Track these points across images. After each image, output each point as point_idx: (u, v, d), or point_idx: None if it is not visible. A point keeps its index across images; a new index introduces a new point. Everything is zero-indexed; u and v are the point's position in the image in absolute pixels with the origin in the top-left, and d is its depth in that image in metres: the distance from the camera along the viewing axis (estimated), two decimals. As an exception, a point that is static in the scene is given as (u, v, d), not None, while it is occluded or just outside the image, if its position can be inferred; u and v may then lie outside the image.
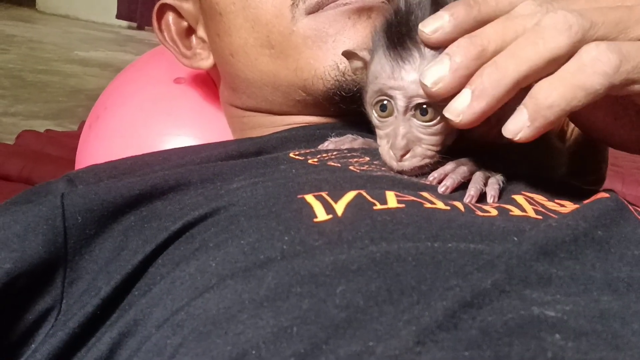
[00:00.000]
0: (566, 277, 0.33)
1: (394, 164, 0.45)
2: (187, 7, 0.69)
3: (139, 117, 0.79)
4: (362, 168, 0.46)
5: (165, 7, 0.70)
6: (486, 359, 0.27)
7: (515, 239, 0.36)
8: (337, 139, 0.53)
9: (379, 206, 0.39)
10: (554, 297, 0.32)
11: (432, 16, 0.40)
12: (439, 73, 0.38)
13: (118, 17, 4.94)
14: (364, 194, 0.40)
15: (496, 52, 0.38)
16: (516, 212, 0.40)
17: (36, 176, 1.31)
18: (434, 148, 0.44)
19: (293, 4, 0.57)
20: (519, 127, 0.37)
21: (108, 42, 4.22)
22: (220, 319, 0.34)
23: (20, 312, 0.42)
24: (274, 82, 0.60)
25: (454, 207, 0.40)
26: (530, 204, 0.42)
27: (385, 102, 0.44)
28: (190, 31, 0.70)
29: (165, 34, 0.70)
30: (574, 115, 0.47)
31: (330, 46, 0.56)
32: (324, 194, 0.40)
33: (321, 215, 0.38)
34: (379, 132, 0.46)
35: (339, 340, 0.30)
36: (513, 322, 0.29)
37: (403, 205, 0.39)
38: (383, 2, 0.57)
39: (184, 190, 0.46)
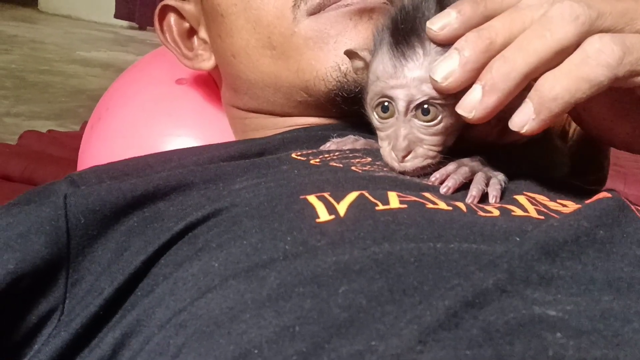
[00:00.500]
0: (567, 277, 0.33)
1: (396, 165, 0.45)
2: (189, 8, 0.69)
3: (140, 117, 0.79)
4: (364, 169, 0.46)
5: (167, 9, 0.70)
6: (487, 357, 0.27)
7: (517, 239, 0.36)
8: (339, 139, 0.54)
9: (381, 207, 0.39)
10: (555, 296, 0.32)
11: (439, 14, 0.41)
12: (449, 68, 0.39)
13: (116, 16, 4.93)
14: (366, 194, 0.40)
15: (504, 45, 0.38)
16: (518, 212, 0.40)
17: (38, 177, 1.31)
18: (436, 148, 0.44)
19: (294, 5, 0.57)
20: (524, 120, 0.38)
21: (110, 43, 4.22)
22: (222, 319, 0.34)
23: (23, 313, 0.42)
24: (275, 83, 0.60)
25: (456, 208, 0.40)
26: (532, 204, 0.42)
27: (386, 103, 0.44)
28: (192, 32, 0.71)
29: (167, 35, 0.71)
30: (577, 114, 0.47)
31: (332, 47, 0.56)
32: (326, 194, 0.40)
33: (323, 215, 0.38)
34: (379, 133, 0.46)
35: (341, 339, 0.30)
36: (514, 321, 0.29)
37: (405, 205, 0.39)
38: (384, 3, 0.57)
39: (186, 191, 0.46)
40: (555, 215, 0.40)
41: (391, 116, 0.44)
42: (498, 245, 0.35)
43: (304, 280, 0.34)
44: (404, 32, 0.43)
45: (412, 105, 0.43)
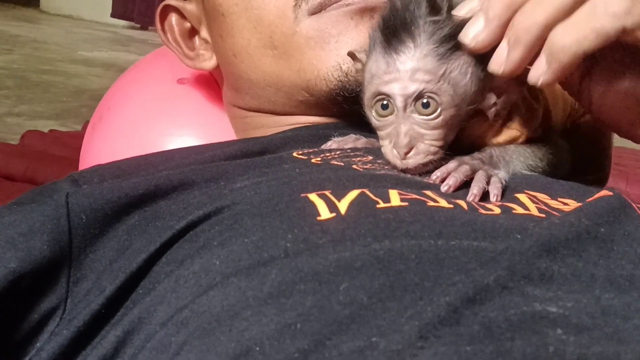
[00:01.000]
0: (568, 274, 0.33)
1: (398, 162, 0.45)
2: (190, 8, 0.69)
3: (142, 117, 0.80)
4: (365, 167, 0.46)
5: (169, 8, 0.70)
6: (488, 353, 0.27)
7: (518, 236, 0.36)
8: (340, 138, 0.54)
9: (382, 204, 0.39)
10: (556, 293, 0.32)
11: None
12: (477, 29, 0.41)
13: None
14: (367, 192, 0.40)
15: (525, 2, 0.40)
16: (519, 210, 0.40)
17: (40, 176, 1.32)
18: (437, 143, 0.44)
19: (296, 4, 0.57)
20: (539, 72, 0.41)
21: (111, 43, 4.22)
22: (224, 316, 0.34)
23: (25, 311, 0.42)
24: (276, 82, 0.60)
25: (457, 206, 0.40)
26: (534, 202, 0.42)
27: (385, 101, 0.44)
28: (193, 32, 0.71)
29: (169, 35, 0.71)
30: (596, 107, 0.48)
31: (333, 47, 0.56)
32: (327, 192, 0.40)
33: (324, 213, 0.38)
34: (379, 133, 0.46)
35: (342, 336, 0.30)
36: (515, 317, 0.29)
37: (406, 203, 0.39)
38: (385, 2, 0.57)
39: (187, 189, 0.46)
40: (556, 214, 0.40)
41: (390, 114, 0.44)
42: (499, 242, 0.36)
43: (305, 278, 0.34)
44: (394, 29, 0.43)
45: (409, 100, 0.43)
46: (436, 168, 0.44)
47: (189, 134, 0.77)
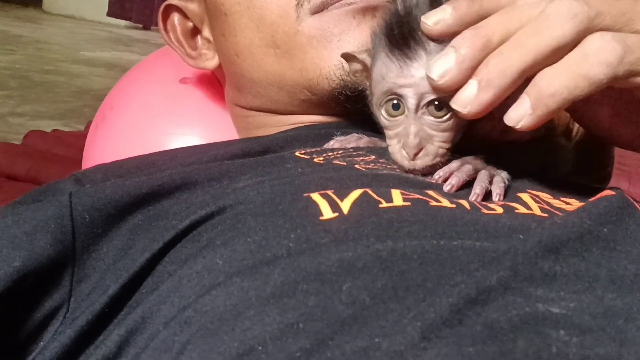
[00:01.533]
0: (571, 275, 0.33)
1: (406, 163, 0.44)
2: (192, 7, 0.69)
3: (145, 116, 0.80)
4: (367, 166, 0.46)
5: (171, 8, 0.70)
6: (491, 354, 0.27)
7: (521, 236, 0.36)
8: (343, 137, 0.54)
9: (384, 204, 0.39)
10: (559, 294, 0.32)
11: (435, 9, 0.40)
12: (445, 66, 0.38)
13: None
14: (370, 192, 0.40)
15: (501, 42, 0.38)
16: (522, 210, 0.40)
17: (43, 176, 1.32)
18: (446, 145, 0.44)
19: (298, 3, 0.57)
20: (520, 115, 0.38)
21: (114, 43, 4.23)
22: (227, 315, 0.34)
23: (29, 310, 0.42)
24: (279, 81, 0.60)
25: (459, 205, 0.40)
26: (536, 201, 0.42)
27: (395, 101, 0.44)
28: (195, 32, 0.71)
29: (171, 34, 0.71)
30: (577, 113, 0.47)
31: (335, 46, 0.56)
32: (330, 192, 0.40)
33: (327, 213, 0.38)
34: (388, 132, 0.46)
35: (344, 336, 0.30)
36: (518, 318, 0.29)
37: (409, 203, 0.39)
38: (388, 1, 0.57)
39: (190, 189, 0.46)
40: (559, 213, 0.40)
41: (401, 114, 0.44)
42: (501, 242, 0.35)
43: (307, 277, 0.34)
44: (403, 35, 0.43)
45: (422, 103, 0.43)
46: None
47: (192, 134, 0.77)
